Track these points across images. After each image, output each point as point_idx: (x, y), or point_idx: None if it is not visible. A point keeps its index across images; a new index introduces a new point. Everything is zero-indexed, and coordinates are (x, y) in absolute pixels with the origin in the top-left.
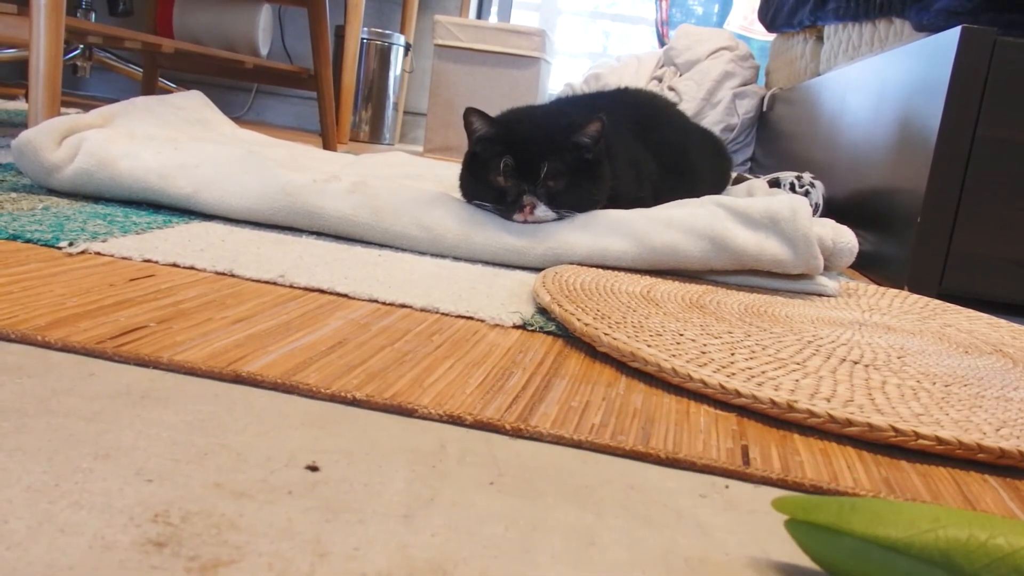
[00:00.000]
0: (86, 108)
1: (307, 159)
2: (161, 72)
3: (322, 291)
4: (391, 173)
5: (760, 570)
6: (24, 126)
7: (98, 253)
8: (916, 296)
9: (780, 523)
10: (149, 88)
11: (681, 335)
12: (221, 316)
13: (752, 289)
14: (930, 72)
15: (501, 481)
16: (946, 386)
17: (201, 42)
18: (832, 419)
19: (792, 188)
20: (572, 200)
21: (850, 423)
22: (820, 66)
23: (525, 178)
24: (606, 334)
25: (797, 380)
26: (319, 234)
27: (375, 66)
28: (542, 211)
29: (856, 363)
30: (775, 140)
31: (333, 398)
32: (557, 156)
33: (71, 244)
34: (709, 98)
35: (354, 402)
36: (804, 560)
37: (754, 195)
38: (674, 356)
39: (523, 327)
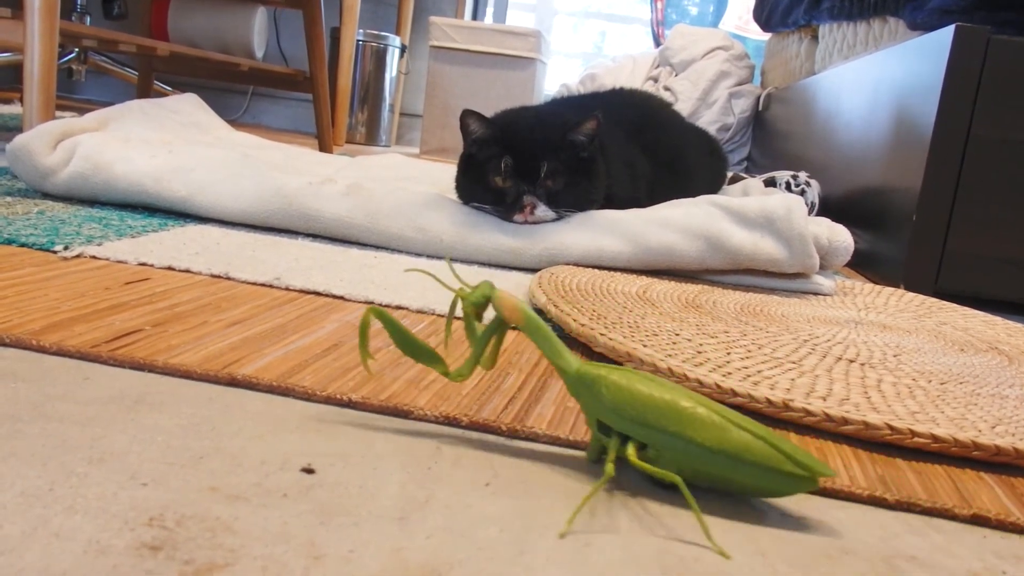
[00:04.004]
0: (81, 112)
1: (303, 162)
2: (156, 75)
3: (318, 293)
4: (387, 175)
5: (754, 570)
6: (19, 130)
7: (93, 257)
8: (912, 294)
9: (774, 523)
10: (144, 91)
11: (677, 335)
12: (216, 319)
13: (748, 288)
14: (924, 71)
15: (496, 482)
16: (942, 384)
17: (196, 45)
18: (828, 417)
19: (788, 187)
20: (571, 199)
21: (846, 421)
22: (815, 65)
23: (524, 178)
24: (602, 334)
25: (793, 379)
26: (315, 237)
27: (371, 68)
28: (542, 211)
29: (852, 361)
30: (771, 139)
31: (329, 400)
32: (555, 155)
33: (66, 248)
34: (705, 98)
35: (350, 404)
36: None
37: (750, 194)
38: (670, 356)
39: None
